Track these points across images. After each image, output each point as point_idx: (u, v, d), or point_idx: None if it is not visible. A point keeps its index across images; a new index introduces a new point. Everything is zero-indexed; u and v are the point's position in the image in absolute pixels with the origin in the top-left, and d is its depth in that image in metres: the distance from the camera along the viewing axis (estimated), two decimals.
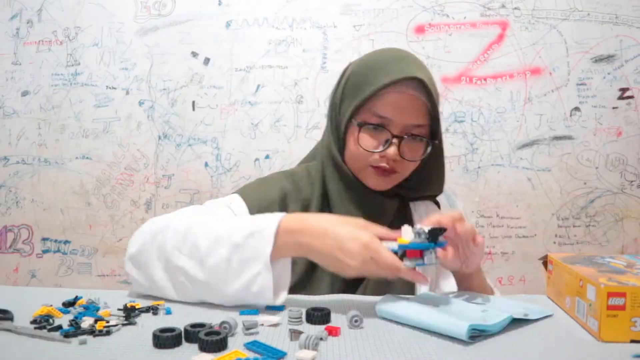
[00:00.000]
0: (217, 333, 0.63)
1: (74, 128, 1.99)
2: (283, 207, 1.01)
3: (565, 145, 1.87)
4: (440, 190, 1.12)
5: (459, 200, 1.89)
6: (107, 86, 1.97)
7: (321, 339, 0.66)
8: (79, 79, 1.98)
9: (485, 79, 1.88)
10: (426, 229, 0.74)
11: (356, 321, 0.71)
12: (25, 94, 2.00)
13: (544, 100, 1.87)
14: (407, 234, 0.76)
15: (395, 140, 0.94)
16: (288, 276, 0.81)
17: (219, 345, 0.62)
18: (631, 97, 1.85)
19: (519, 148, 1.88)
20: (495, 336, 0.68)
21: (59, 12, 1.98)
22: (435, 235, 0.75)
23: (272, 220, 0.79)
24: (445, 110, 1.89)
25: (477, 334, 0.66)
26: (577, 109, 1.87)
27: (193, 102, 1.95)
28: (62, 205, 2.01)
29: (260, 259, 0.76)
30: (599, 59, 1.85)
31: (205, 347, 0.61)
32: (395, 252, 0.75)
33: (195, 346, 0.64)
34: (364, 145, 0.95)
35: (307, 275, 0.97)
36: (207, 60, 1.94)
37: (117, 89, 1.97)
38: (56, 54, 1.99)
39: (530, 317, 0.74)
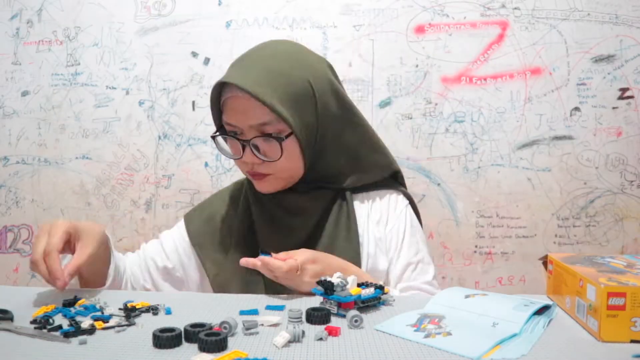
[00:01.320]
0: (217, 333, 0.63)
1: (74, 128, 1.99)
2: (211, 219, 1.09)
3: (565, 145, 1.87)
4: (384, 172, 1.09)
5: (459, 200, 1.89)
6: (107, 86, 1.97)
7: (321, 338, 0.66)
8: (79, 79, 1.98)
9: (485, 79, 1.88)
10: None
11: (356, 321, 0.71)
12: (25, 94, 2.00)
13: (544, 100, 1.87)
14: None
15: (246, 144, 0.95)
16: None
17: (219, 345, 0.62)
18: (631, 97, 1.85)
19: (519, 148, 1.88)
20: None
21: (59, 12, 1.98)
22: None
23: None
24: (445, 110, 1.89)
25: None
26: (577, 109, 1.87)
27: (193, 102, 1.95)
28: (62, 205, 2.01)
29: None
30: (599, 59, 1.85)
31: (205, 347, 0.61)
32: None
33: (195, 346, 0.64)
34: (225, 156, 1.01)
35: (230, 278, 1.02)
36: (207, 60, 1.94)
37: (117, 89, 1.97)
38: (56, 54, 1.99)
39: (531, 309, 0.72)
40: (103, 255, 0.97)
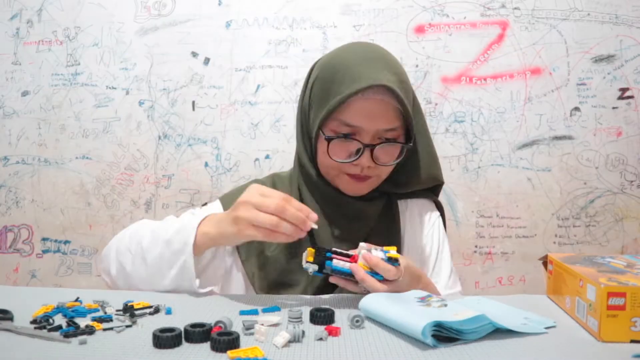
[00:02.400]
0: (230, 333, 0.63)
1: (74, 128, 1.99)
2: None
3: (565, 145, 1.87)
4: (431, 182, 1.09)
5: (459, 200, 1.89)
6: (107, 86, 1.97)
7: (321, 339, 0.66)
8: (79, 79, 1.98)
9: (485, 79, 1.88)
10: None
11: (357, 321, 0.71)
12: (25, 94, 2.00)
13: (544, 100, 1.87)
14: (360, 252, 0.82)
15: (367, 149, 0.92)
16: (214, 270, 0.94)
17: (231, 344, 0.62)
18: (631, 97, 1.85)
19: (519, 148, 1.88)
20: (495, 336, 0.68)
21: (59, 12, 1.98)
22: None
23: (198, 218, 0.88)
24: (445, 110, 1.89)
25: (448, 335, 0.65)
26: (577, 109, 1.87)
27: (193, 102, 1.95)
28: (62, 205, 2.01)
29: (185, 250, 0.85)
30: (599, 59, 1.85)
31: (218, 347, 0.62)
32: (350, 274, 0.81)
33: (195, 346, 0.64)
34: (334, 157, 0.93)
35: (285, 273, 0.98)
36: (207, 60, 1.94)
37: (117, 89, 1.97)
38: (56, 54, 1.99)
39: (526, 330, 0.69)
40: None
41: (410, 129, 0.96)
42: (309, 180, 1.01)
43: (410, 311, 0.70)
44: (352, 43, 1.04)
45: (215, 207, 1.06)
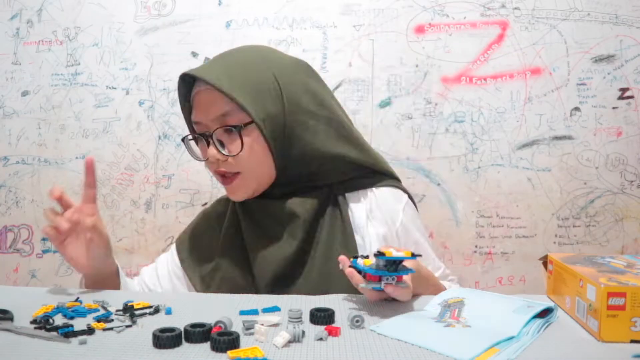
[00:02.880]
0: (230, 333, 0.63)
1: (74, 128, 1.99)
2: (200, 237, 1.09)
3: (565, 145, 1.87)
4: (362, 169, 1.03)
5: (459, 200, 1.89)
6: (107, 86, 1.97)
7: (321, 339, 0.66)
8: (79, 79, 1.98)
9: (485, 79, 1.88)
10: (383, 260, 0.77)
11: (357, 321, 0.71)
12: (25, 94, 2.00)
13: (544, 100, 1.87)
14: (373, 260, 0.80)
15: (210, 139, 0.93)
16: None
17: (231, 344, 0.62)
18: (631, 97, 1.85)
19: (519, 148, 1.88)
20: None
21: (59, 12, 1.98)
22: (393, 264, 0.77)
23: None
24: (445, 110, 1.89)
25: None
26: (577, 109, 1.87)
27: None
28: None
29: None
30: (599, 59, 1.85)
31: (218, 347, 0.62)
32: (359, 270, 0.80)
33: (195, 346, 0.64)
34: (194, 158, 1.00)
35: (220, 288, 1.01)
36: (207, 60, 1.94)
37: (117, 89, 1.97)
38: (56, 54, 1.99)
39: (536, 309, 0.71)
40: (113, 277, 1.04)
41: (248, 111, 0.91)
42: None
43: (443, 338, 0.67)
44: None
45: (173, 248, 1.14)
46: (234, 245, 1.01)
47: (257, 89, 0.93)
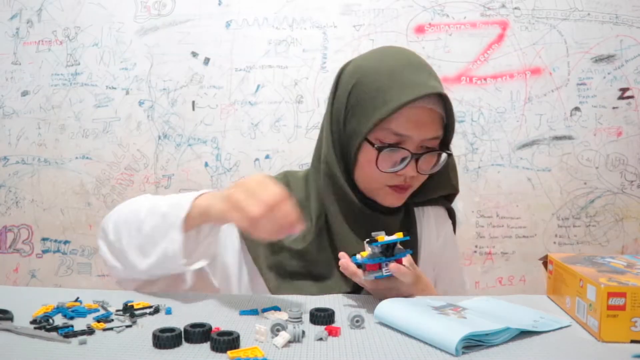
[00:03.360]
0: (230, 333, 0.63)
1: (74, 128, 1.99)
2: None
3: (565, 145, 1.87)
4: (449, 190, 1.06)
5: (459, 200, 1.89)
6: (107, 86, 1.97)
7: (321, 339, 0.66)
8: (79, 79, 1.98)
9: (485, 79, 1.88)
10: (377, 246, 0.77)
11: (357, 322, 0.71)
12: (25, 94, 2.00)
13: (544, 100, 1.87)
14: (367, 248, 0.79)
15: (413, 158, 0.89)
16: (205, 244, 0.84)
17: (231, 345, 0.62)
18: (631, 97, 1.85)
19: (519, 148, 1.88)
20: None
21: (59, 12, 1.98)
22: (388, 249, 0.77)
23: (198, 192, 0.84)
24: None
25: (474, 344, 0.65)
26: (577, 109, 1.87)
27: (193, 102, 1.95)
28: (62, 205, 2.01)
29: (176, 224, 0.80)
30: (599, 59, 1.85)
31: (217, 347, 0.62)
32: (359, 265, 0.79)
33: (195, 346, 0.64)
34: (383, 167, 0.90)
35: (290, 281, 0.95)
36: (207, 60, 1.94)
37: (117, 89, 1.97)
38: (56, 54, 1.99)
39: (539, 328, 0.70)
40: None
41: (449, 137, 0.94)
42: (337, 191, 0.96)
43: (435, 323, 0.68)
44: (385, 47, 1.02)
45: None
46: (321, 244, 0.96)
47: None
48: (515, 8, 1.86)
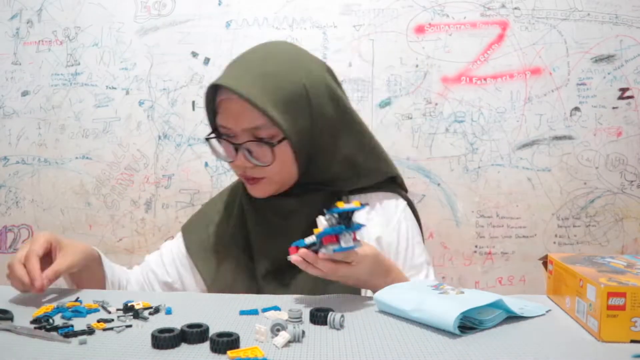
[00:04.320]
0: (230, 334, 0.63)
1: (74, 128, 1.99)
2: (207, 227, 1.10)
3: (565, 145, 1.87)
4: (379, 177, 1.07)
5: (459, 200, 1.89)
6: (107, 86, 1.97)
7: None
8: (79, 79, 1.98)
9: (485, 79, 1.88)
10: (335, 214, 0.74)
11: (342, 325, 0.72)
12: (25, 94, 2.00)
13: (544, 100, 1.87)
14: (321, 224, 0.76)
15: (241, 148, 0.95)
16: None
17: (230, 345, 0.62)
18: (631, 97, 1.85)
19: (519, 148, 1.88)
20: (493, 336, 0.68)
21: (59, 12, 1.98)
22: (345, 218, 0.74)
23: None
24: (445, 110, 1.89)
25: (470, 325, 0.67)
26: (577, 109, 1.87)
27: (193, 102, 1.95)
28: (62, 205, 2.01)
29: None
30: (599, 59, 1.85)
31: (217, 348, 0.62)
32: (314, 244, 0.77)
33: (194, 347, 0.64)
34: (218, 158, 1.01)
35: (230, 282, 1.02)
36: (207, 60, 1.94)
37: (117, 89, 1.97)
38: (56, 54, 1.99)
39: (525, 314, 0.75)
40: (95, 268, 0.99)
41: (283, 126, 0.92)
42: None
43: (434, 300, 0.71)
44: (263, 43, 1.04)
45: (178, 236, 1.15)
46: (241, 236, 1.04)
47: (289, 103, 0.93)
48: (515, 8, 1.86)
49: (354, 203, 0.75)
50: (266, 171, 0.96)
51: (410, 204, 1.11)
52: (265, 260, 0.99)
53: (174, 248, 1.12)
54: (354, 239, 0.75)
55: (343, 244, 0.74)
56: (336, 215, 0.74)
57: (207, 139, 1.00)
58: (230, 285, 1.00)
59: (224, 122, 0.96)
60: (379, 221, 1.05)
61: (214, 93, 0.98)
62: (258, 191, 1.00)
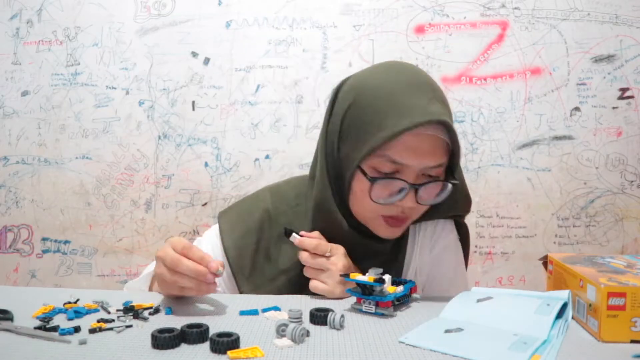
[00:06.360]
0: (230, 334, 0.63)
1: (74, 128, 1.99)
2: (260, 234, 0.96)
3: (565, 145, 1.87)
4: (454, 212, 1.01)
5: None
6: (107, 86, 1.97)
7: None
8: (79, 79, 1.98)
9: (485, 79, 1.88)
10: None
11: (341, 325, 0.72)
12: (25, 94, 2.00)
13: (544, 100, 1.87)
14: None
15: (411, 188, 0.83)
16: None
17: (230, 345, 0.62)
18: (631, 97, 1.85)
19: (519, 148, 1.88)
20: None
21: (59, 12, 1.98)
22: (365, 288, 0.78)
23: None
24: None
25: None
26: (577, 109, 1.87)
27: (193, 102, 1.95)
28: (62, 205, 2.01)
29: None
30: (599, 59, 1.85)
31: (217, 348, 0.62)
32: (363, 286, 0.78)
33: (194, 347, 0.64)
34: (376, 198, 0.83)
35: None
36: (207, 60, 1.94)
37: (117, 89, 1.97)
38: (56, 54, 1.99)
39: (553, 307, 0.71)
40: None
41: (455, 164, 0.87)
42: (326, 216, 0.91)
43: (477, 345, 0.65)
44: (387, 63, 0.91)
45: (212, 233, 1.00)
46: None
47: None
48: (515, 8, 1.86)
49: (368, 278, 0.77)
50: (420, 210, 0.89)
51: (462, 229, 1.05)
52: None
53: (209, 250, 0.97)
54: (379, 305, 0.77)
55: (364, 308, 0.78)
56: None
57: (374, 179, 0.83)
58: None
59: (403, 159, 0.82)
60: (421, 250, 0.99)
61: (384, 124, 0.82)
62: (398, 232, 0.90)
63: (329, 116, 0.91)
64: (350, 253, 0.89)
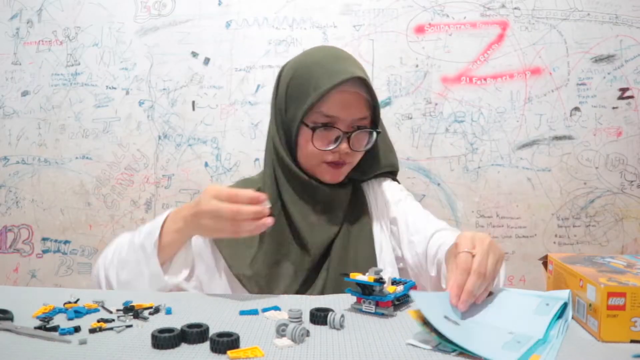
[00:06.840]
0: (230, 334, 0.63)
1: (74, 128, 1.99)
2: None
3: (565, 145, 1.87)
4: (388, 167, 1.18)
5: (459, 200, 1.89)
6: (107, 86, 1.97)
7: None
8: (79, 79, 1.98)
9: (485, 79, 1.88)
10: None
11: (341, 325, 0.72)
12: (25, 94, 2.00)
13: (544, 100, 1.87)
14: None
15: (345, 136, 1.03)
16: (183, 258, 0.96)
17: (230, 345, 0.62)
18: (631, 97, 1.85)
19: (519, 148, 1.88)
20: None
21: (59, 12, 1.98)
22: (365, 287, 0.79)
23: (164, 215, 0.95)
24: (445, 110, 1.89)
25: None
26: (577, 109, 1.87)
27: (193, 102, 1.95)
28: (62, 205, 2.01)
29: (151, 250, 0.91)
30: (599, 59, 1.85)
31: (217, 348, 0.62)
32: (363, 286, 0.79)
33: (194, 347, 0.64)
34: (318, 145, 1.03)
35: (267, 272, 1.03)
36: (207, 60, 1.94)
37: (117, 89, 1.97)
38: (56, 54, 1.99)
39: (552, 307, 0.72)
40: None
41: (376, 118, 1.09)
42: (286, 171, 1.07)
43: (474, 337, 0.65)
44: (318, 46, 1.17)
45: None
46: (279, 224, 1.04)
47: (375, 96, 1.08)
48: (515, 8, 1.86)
49: (368, 278, 0.77)
50: (355, 157, 1.08)
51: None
52: (316, 239, 1.04)
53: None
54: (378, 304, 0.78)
55: (364, 308, 0.79)
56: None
57: (315, 128, 1.03)
58: (266, 273, 1.02)
59: (334, 112, 1.02)
60: (381, 202, 1.15)
61: (315, 83, 1.02)
62: (340, 175, 1.08)
63: (276, 93, 1.11)
64: (314, 202, 1.06)
